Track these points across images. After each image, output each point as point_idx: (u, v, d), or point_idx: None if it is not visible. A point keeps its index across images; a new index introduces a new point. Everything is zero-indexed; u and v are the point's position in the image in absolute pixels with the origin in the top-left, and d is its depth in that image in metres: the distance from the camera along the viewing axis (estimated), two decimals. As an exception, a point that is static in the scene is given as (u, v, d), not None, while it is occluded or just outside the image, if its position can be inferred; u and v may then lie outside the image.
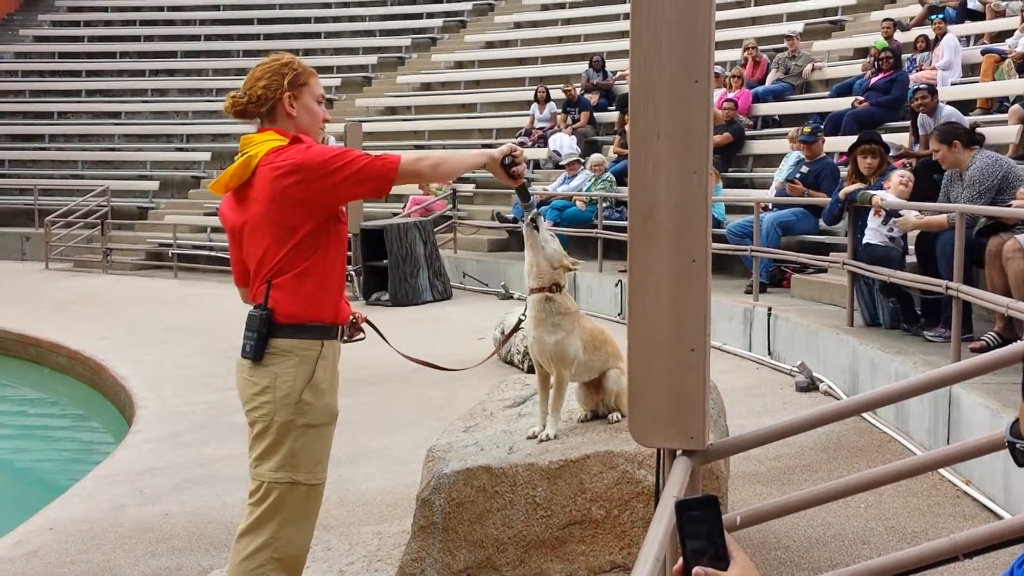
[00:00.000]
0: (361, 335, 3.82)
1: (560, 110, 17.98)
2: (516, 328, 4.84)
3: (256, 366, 3.44)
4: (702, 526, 1.58)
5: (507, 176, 3.60)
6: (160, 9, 29.29)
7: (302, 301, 3.44)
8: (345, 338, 3.74)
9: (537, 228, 4.11)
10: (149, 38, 28.11)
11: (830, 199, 8.74)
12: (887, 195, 7.73)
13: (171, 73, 26.70)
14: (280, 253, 3.42)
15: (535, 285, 4.18)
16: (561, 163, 15.56)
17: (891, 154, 10.68)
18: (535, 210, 4.08)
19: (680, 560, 1.60)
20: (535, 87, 19.18)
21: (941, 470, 5.45)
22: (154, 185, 22.11)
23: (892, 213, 7.58)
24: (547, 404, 4.28)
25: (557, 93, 18.35)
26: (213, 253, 17.76)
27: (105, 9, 29.79)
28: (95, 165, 23.44)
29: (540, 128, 18.07)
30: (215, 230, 18.09)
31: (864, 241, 7.75)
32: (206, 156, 22.47)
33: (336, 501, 5.81)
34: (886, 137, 11.68)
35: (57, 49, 28.04)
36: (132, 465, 7.11)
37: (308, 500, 3.50)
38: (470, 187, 17.68)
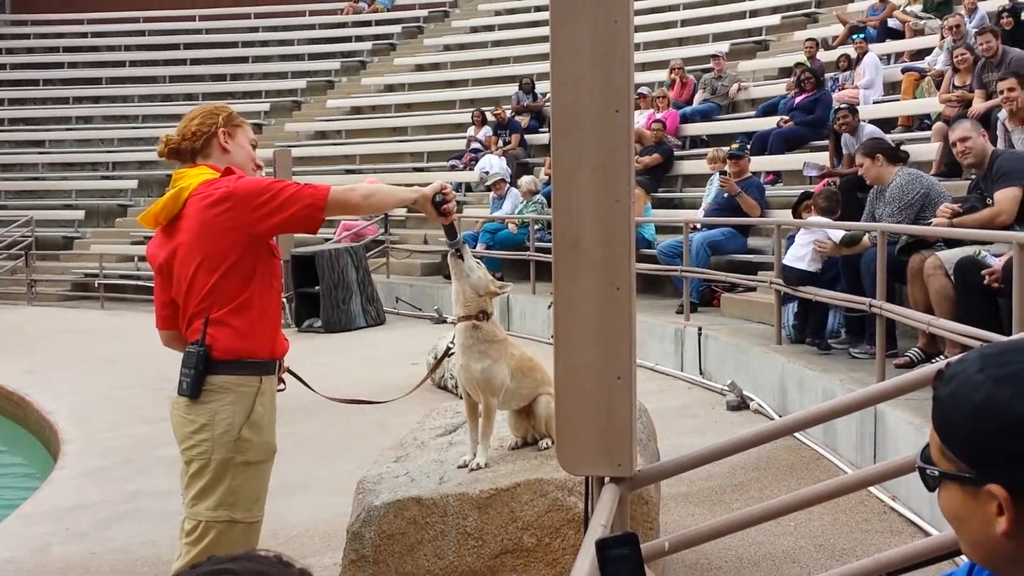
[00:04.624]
0: (281, 385, 3.76)
1: (491, 132, 18.03)
2: (445, 355, 4.83)
3: (193, 404, 3.38)
4: (623, 565, 1.59)
5: (437, 214, 3.62)
6: (84, 36, 28.89)
7: (240, 337, 3.40)
8: None
9: (461, 257, 4.11)
10: (72, 64, 27.69)
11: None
12: (818, 219, 7.91)
13: (95, 100, 26.30)
14: (209, 283, 3.38)
15: (462, 313, 4.21)
16: (487, 184, 15.59)
17: (815, 174, 10.87)
18: (459, 239, 4.06)
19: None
20: (466, 110, 19.19)
21: (869, 487, 5.52)
22: (79, 214, 21.73)
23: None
24: (477, 432, 4.28)
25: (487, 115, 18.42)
26: (141, 283, 17.47)
27: (27, 36, 29.33)
28: (18, 195, 23.00)
29: (473, 151, 18.08)
30: (143, 259, 17.79)
31: (796, 266, 7.81)
32: (133, 184, 22.16)
33: (268, 534, 5.70)
34: (811, 156, 11.91)
35: (-22, 77, 27.55)
36: (58, 502, 6.94)
37: (246, 538, 3.45)
38: (402, 211, 17.62)
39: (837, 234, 7.55)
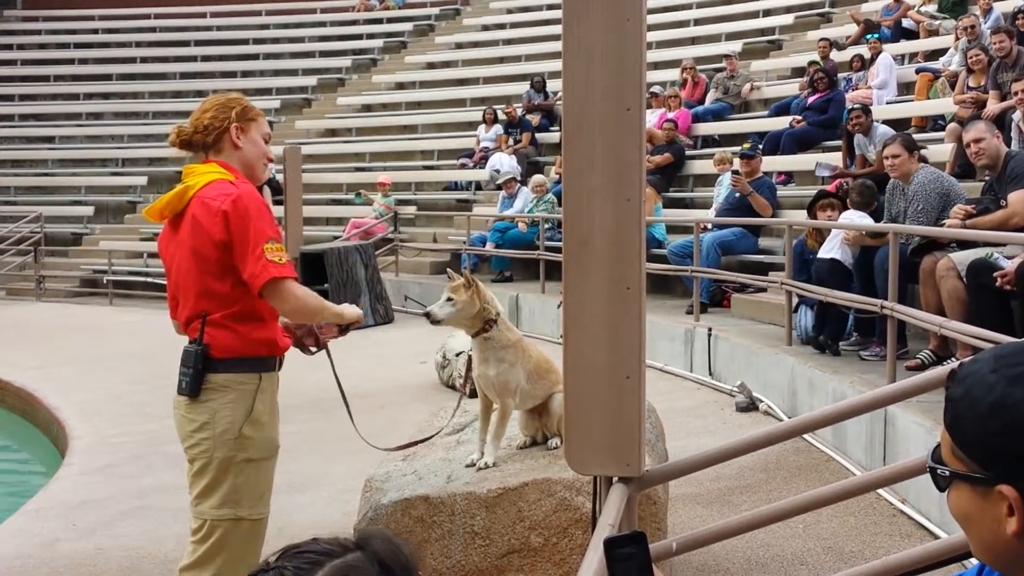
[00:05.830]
0: (314, 349, 3.84)
1: (501, 131, 18.02)
2: (469, 367, 4.84)
3: (193, 402, 3.39)
4: (631, 563, 1.57)
5: (338, 331, 3.85)
6: (94, 32, 28.92)
7: (237, 335, 3.40)
8: (313, 350, 3.84)
9: (439, 321, 4.30)
10: (83, 61, 27.69)
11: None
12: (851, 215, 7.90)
13: (106, 96, 26.29)
14: (203, 283, 3.40)
15: (470, 334, 4.31)
16: (498, 182, 15.59)
17: (827, 175, 10.83)
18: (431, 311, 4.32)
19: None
20: (476, 108, 19.16)
21: (878, 489, 5.49)
22: (89, 210, 21.74)
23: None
24: (487, 431, 4.28)
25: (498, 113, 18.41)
26: (149, 279, 17.50)
27: (38, 32, 29.36)
28: (28, 191, 23.03)
29: (484, 148, 18.08)
30: (151, 256, 17.79)
31: (828, 256, 7.74)
32: (142, 180, 22.17)
33: (275, 532, 5.69)
34: (823, 157, 11.88)
35: (-11, 73, 27.60)
36: (65, 498, 6.94)
37: (252, 535, 3.46)
38: (411, 209, 17.65)
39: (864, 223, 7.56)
